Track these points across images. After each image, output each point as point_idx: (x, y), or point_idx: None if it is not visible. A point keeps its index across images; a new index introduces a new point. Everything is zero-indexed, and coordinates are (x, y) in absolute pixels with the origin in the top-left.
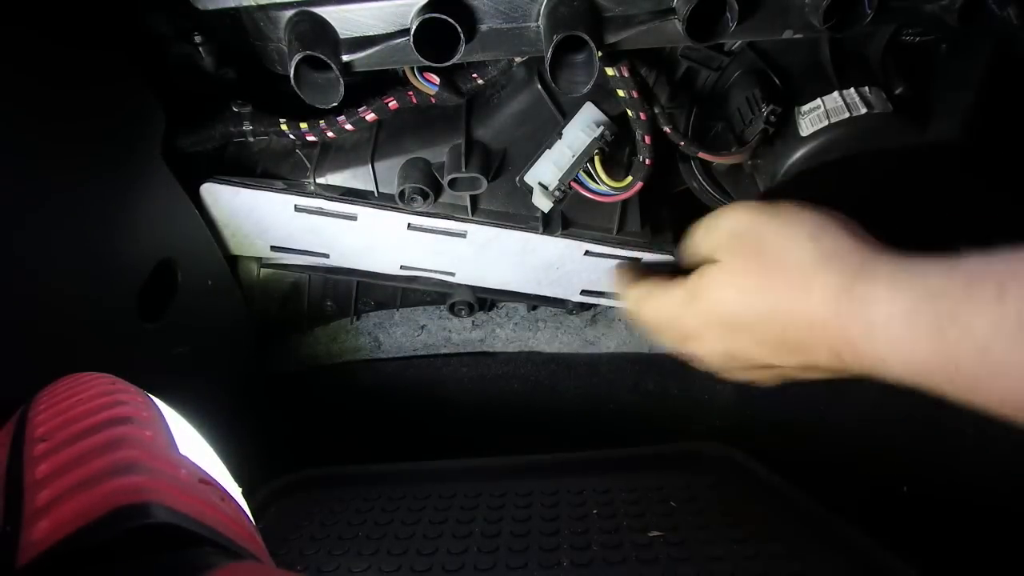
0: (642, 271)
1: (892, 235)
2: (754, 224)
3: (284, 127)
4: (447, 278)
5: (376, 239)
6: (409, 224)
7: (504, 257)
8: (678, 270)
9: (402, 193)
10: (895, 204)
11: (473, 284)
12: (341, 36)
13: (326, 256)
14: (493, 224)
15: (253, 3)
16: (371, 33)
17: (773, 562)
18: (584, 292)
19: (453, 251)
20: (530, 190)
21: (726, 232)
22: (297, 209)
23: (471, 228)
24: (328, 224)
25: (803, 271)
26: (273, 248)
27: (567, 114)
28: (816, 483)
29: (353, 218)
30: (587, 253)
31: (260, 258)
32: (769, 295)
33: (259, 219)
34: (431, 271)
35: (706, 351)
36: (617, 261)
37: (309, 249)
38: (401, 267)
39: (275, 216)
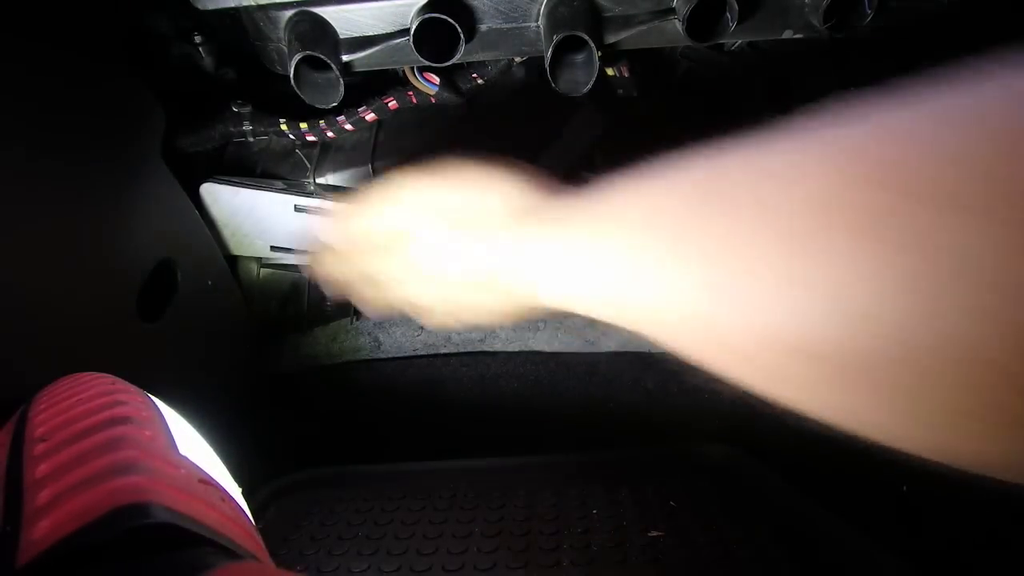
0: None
1: None
2: (420, 183)
3: (284, 127)
4: None
5: None
6: None
7: None
8: None
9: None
10: None
11: None
12: (341, 36)
13: None
14: None
15: (253, 3)
16: (371, 33)
17: (773, 562)
18: None
19: None
20: None
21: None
22: (297, 209)
23: None
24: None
25: (482, 218)
26: (273, 248)
27: (567, 114)
28: (816, 483)
29: None
30: None
31: (260, 258)
32: (455, 239)
33: (259, 219)
34: None
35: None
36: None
37: (309, 249)
38: None
39: (275, 216)
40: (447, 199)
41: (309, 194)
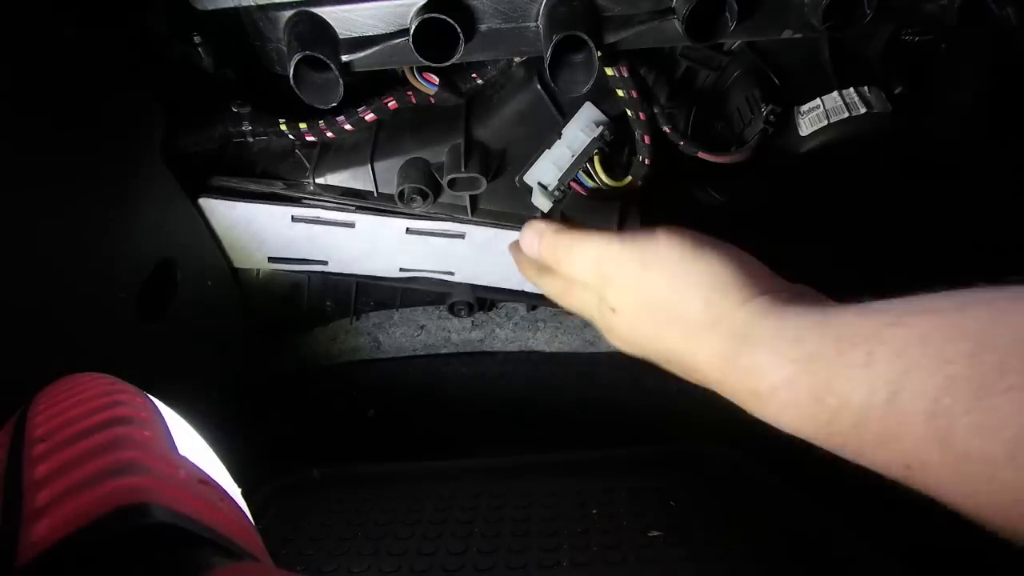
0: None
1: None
2: (644, 270)
3: (283, 127)
4: (447, 277)
5: (375, 244)
6: (408, 228)
7: (503, 256)
8: None
9: (401, 193)
10: (888, 203)
11: (473, 282)
12: (340, 36)
13: (325, 263)
14: (491, 224)
15: (252, 3)
16: (370, 33)
17: (773, 562)
18: None
19: (452, 252)
20: (529, 190)
21: (611, 275)
22: (294, 220)
23: (469, 229)
24: (326, 232)
25: (692, 330)
26: (271, 259)
27: (566, 114)
28: (816, 483)
29: (351, 225)
30: None
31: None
32: (664, 343)
33: (256, 231)
34: (431, 272)
35: (617, 333)
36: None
37: (307, 257)
38: (400, 269)
39: (272, 228)
40: (656, 291)
41: (309, 194)
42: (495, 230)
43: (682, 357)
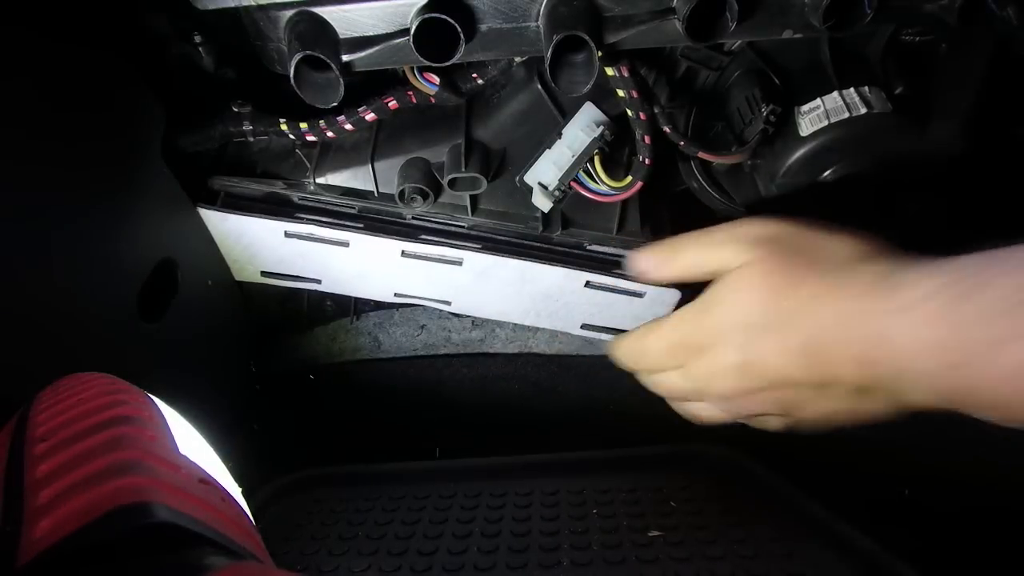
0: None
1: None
2: (788, 228)
3: (284, 127)
4: (442, 307)
5: (369, 266)
6: (403, 251)
7: (502, 286)
8: None
9: (402, 193)
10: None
11: (471, 313)
12: (341, 36)
13: (318, 282)
14: (490, 252)
15: (253, 3)
16: (371, 33)
17: (773, 562)
18: (584, 326)
19: (449, 279)
20: (530, 190)
21: (756, 234)
22: (287, 235)
23: (467, 256)
24: (319, 250)
25: (840, 264)
26: (264, 273)
27: (567, 114)
28: (816, 484)
29: (345, 244)
30: (588, 284)
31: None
32: (801, 291)
33: (248, 244)
34: (426, 299)
35: (717, 368)
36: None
37: (300, 275)
38: (395, 295)
39: (264, 242)
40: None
41: (301, 220)
42: (494, 257)
43: (822, 302)
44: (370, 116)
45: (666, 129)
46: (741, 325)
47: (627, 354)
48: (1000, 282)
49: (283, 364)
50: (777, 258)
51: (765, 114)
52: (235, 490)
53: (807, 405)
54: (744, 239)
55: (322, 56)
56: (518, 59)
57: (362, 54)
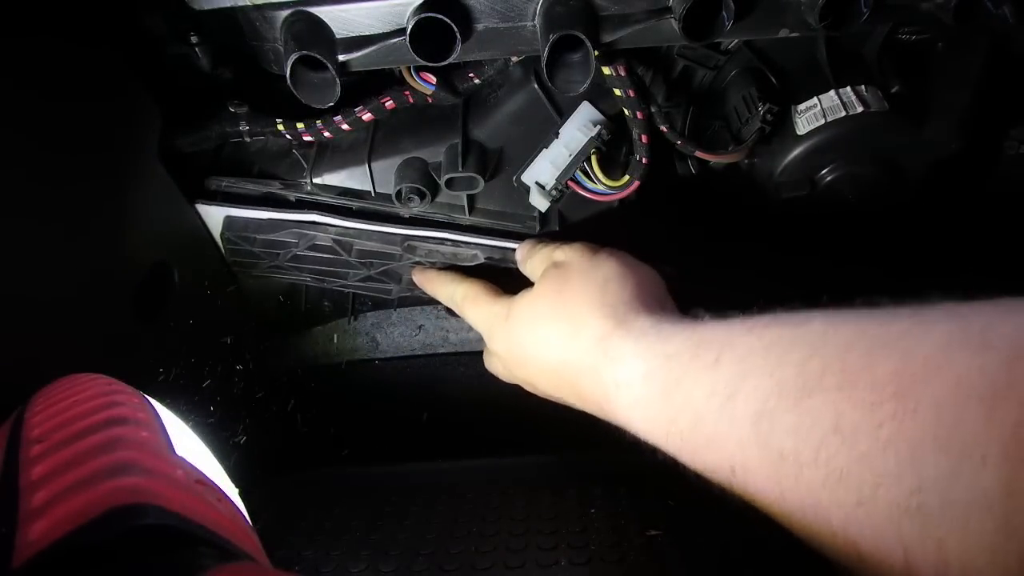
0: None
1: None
2: (575, 259)
3: (281, 127)
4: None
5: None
6: (406, 244)
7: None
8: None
9: (399, 193)
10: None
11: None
12: (337, 36)
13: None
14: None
15: (249, 3)
16: (367, 33)
17: (772, 561)
18: None
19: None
20: (527, 189)
21: (554, 260)
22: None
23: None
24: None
25: (581, 313)
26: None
27: (564, 113)
28: None
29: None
30: None
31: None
32: (554, 329)
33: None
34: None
35: (504, 374)
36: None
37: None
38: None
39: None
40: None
41: (302, 209)
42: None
43: (565, 344)
44: (367, 116)
45: (663, 128)
46: (515, 347)
47: (454, 305)
48: (701, 382)
49: (280, 364)
50: (549, 291)
51: (762, 113)
52: (232, 490)
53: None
54: (548, 262)
55: (318, 56)
56: (515, 59)
57: (359, 54)
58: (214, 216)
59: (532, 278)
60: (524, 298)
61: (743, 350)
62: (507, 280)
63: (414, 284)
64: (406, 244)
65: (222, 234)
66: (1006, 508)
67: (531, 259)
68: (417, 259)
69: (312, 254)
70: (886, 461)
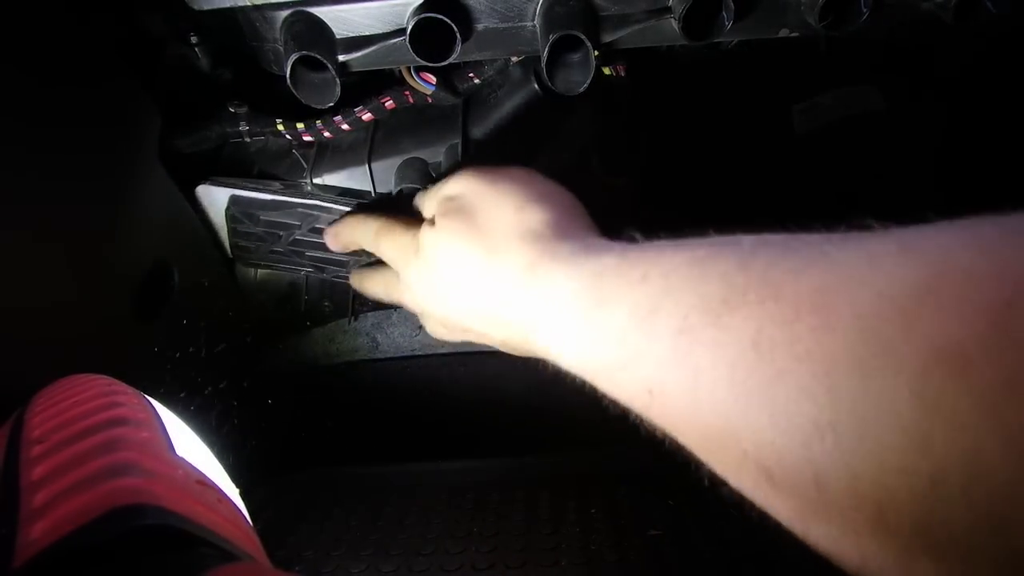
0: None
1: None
2: (471, 189)
3: (281, 127)
4: None
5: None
6: None
7: None
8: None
9: (399, 193)
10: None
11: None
12: (337, 36)
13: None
14: None
15: (249, 3)
16: (367, 33)
17: (771, 561)
18: None
19: None
20: None
21: (445, 195)
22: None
23: None
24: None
25: (501, 241)
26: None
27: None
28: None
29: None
30: None
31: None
32: (474, 259)
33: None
34: None
35: (427, 313)
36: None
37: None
38: None
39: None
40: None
41: (305, 195)
42: None
43: (489, 273)
44: (367, 116)
45: (663, 128)
46: (436, 281)
47: (371, 247)
48: (626, 298)
49: (281, 365)
50: (456, 223)
51: (762, 112)
52: (232, 491)
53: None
54: (437, 198)
55: (318, 56)
56: (515, 59)
57: (358, 54)
58: (218, 197)
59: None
60: (431, 231)
61: (669, 266)
62: None
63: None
64: None
65: (227, 210)
66: (920, 425)
67: (426, 205)
68: None
69: (313, 239)
70: (801, 378)
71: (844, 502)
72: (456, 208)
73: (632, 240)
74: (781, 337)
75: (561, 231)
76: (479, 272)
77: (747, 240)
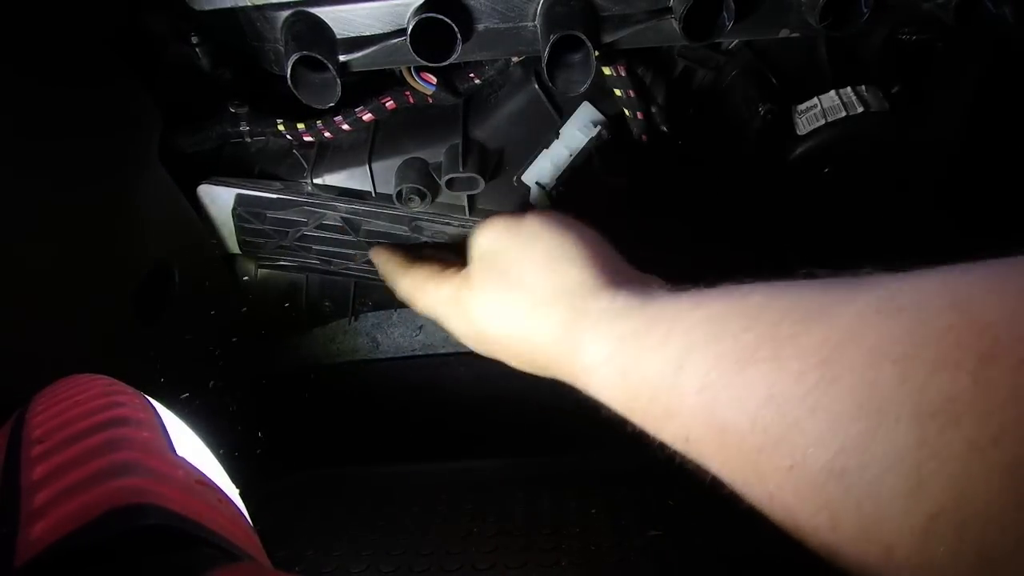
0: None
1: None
2: (502, 245)
3: (281, 128)
4: None
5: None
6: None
7: None
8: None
9: (399, 193)
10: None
11: None
12: (338, 36)
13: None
14: None
15: (249, 3)
16: (368, 33)
17: (771, 561)
18: None
19: None
20: (528, 190)
21: (478, 249)
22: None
23: None
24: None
25: (537, 299)
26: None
27: (564, 113)
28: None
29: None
30: None
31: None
32: (512, 316)
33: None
34: None
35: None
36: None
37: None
38: None
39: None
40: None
41: (299, 193)
42: None
43: (529, 330)
44: (367, 116)
45: (663, 128)
46: (477, 333)
47: (407, 293)
48: (651, 362)
49: (281, 365)
50: (491, 280)
51: (762, 113)
52: (232, 491)
53: None
54: (473, 251)
55: (319, 56)
56: (515, 59)
57: (359, 54)
58: (220, 197)
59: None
60: (469, 291)
61: (688, 324)
62: None
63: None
64: (414, 224)
65: (234, 210)
66: (918, 466)
67: (461, 257)
68: (424, 239)
69: (320, 234)
70: (815, 427)
71: (857, 542)
72: (490, 266)
73: (650, 286)
74: (792, 391)
75: (590, 285)
76: (519, 331)
77: (756, 294)
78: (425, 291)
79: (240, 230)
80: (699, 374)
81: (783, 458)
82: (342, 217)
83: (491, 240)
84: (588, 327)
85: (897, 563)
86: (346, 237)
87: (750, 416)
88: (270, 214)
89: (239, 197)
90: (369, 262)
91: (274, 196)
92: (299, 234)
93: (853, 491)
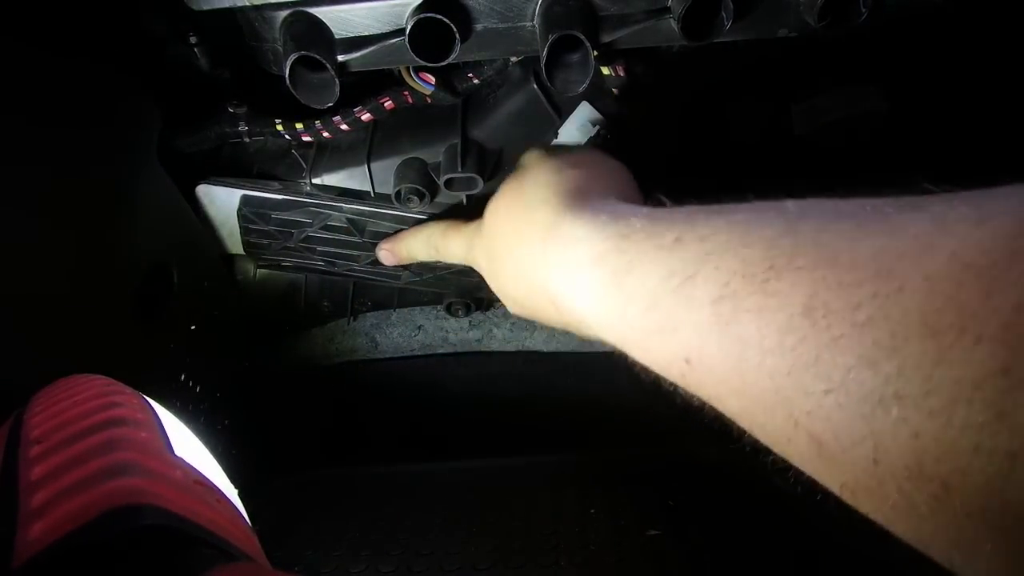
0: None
1: None
2: (531, 159)
3: (280, 128)
4: None
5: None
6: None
7: None
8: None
9: (398, 193)
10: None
11: None
12: (336, 36)
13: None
14: None
15: (248, 3)
16: (366, 33)
17: (771, 562)
18: None
19: None
20: None
21: (519, 162)
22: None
23: None
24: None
25: (533, 203)
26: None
27: (563, 113)
28: (816, 483)
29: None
30: None
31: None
32: (511, 224)
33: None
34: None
35: (495, 290)
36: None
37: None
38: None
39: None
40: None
41: (304, 194)
42: None
43: (521, 239)
44: (366, 116)
45: (662, 128)
46: (490, 255)
47: (434, 249)
48: (658, 262)
49: (280, 365)
50: (508, 190)
51: (761, 113)
52: (231, 491)
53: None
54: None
55: (317, 56)
56: (514, 59)
57: (358, 54)
58: (218, 197)
59: None
60: (489, 204)
61: (707, 229)
62: None
63: (383, 264)
64: (416, 224)
65: (239, 211)
66: (1003, 400)
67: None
68: None
69: (325, 235)
70: (862, 346)
71: (904, 478)
72: (514, 175)
73: (660, 203)
74: (838, 303)
75: (591, 190)
76: (517, 235)
77: (792, 204)
78: (458, 231)
79: (245, 231)
80: (717, 281)
81: (818, 381)
82: (347, 218)
83: (526, 156)
84: (578, 224)
85: (954, 506)
86: (350, 238)
87: (778, 331)
88: (275, 215)
89: (244, 198)
90: (373, 263)
91: (279, 197)
92: (304, 235)
93: (910, 421)
